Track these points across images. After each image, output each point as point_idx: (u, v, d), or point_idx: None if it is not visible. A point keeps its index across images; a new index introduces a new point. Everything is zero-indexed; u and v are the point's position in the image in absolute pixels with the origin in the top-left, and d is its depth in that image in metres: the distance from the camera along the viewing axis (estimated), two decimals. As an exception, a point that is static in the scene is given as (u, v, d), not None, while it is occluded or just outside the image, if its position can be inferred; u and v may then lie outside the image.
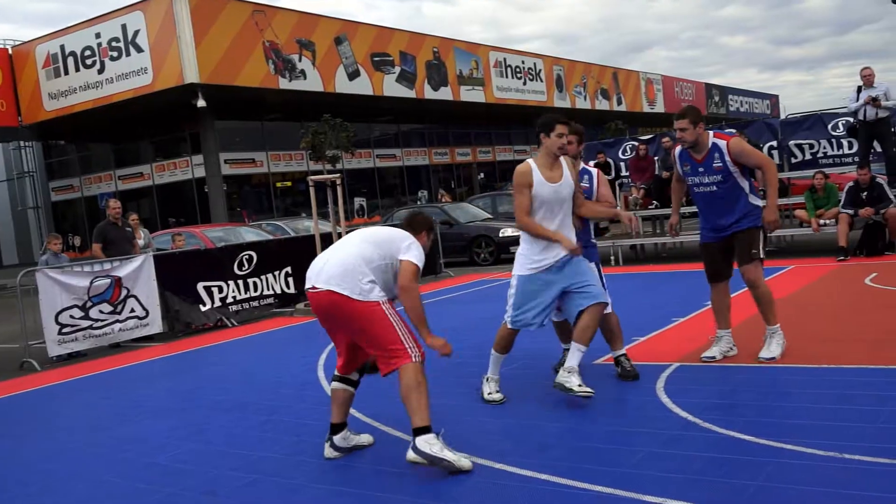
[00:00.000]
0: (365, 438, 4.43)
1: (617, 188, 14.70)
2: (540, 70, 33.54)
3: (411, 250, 4.09)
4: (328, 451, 4.31)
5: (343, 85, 24.33)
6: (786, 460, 3.59)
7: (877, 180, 11.08)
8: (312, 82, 23.49)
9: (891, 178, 11.57)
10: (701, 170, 5.36)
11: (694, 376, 5.27)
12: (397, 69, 26.41)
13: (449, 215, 16.78)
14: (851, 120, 12.78)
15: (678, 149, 5.57)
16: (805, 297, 7.83)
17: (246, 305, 11.12)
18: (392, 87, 26.23)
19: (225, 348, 8.85)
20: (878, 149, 12.18)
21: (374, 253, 4.08)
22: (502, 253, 15.32)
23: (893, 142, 11.98)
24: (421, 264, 4.09)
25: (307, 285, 4.12)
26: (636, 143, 14.94)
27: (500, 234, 15.67)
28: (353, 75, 24.65)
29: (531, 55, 33.64)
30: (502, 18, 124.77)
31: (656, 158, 14.39)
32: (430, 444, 3.82)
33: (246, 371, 7.21)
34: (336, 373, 4.33)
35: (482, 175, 34.33)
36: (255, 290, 11.26)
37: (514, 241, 15.08)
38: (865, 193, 10.95)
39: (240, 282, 11.07)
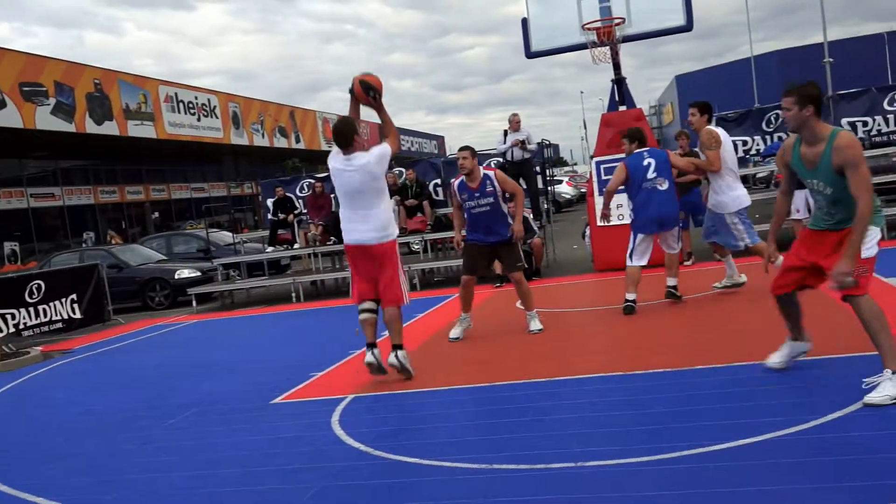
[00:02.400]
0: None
1: (295, 225, 14.78)
2: (215, 106, 32.71)
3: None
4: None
5: (-16, 116, 21.48)
6: (444, 477, 3.84)
7: (523, 214, 12.47)
8: (-56, 112, 20.41)
9: (534, 211, 13.13)
10: (477, 195, 7.05)
11: (369, 406, 5.45)
12: (52, 101, 24.03)
13: (118, 258, 15.56)
14: (501, 160, 14.31)
15: (456, 181, 7.19)
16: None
17: None
18: (47, 120, 23.76)
19: None
20: (525, 185, 13.78)
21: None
22: (178, 296, 14.58)
23: (536, 180, 13.69)
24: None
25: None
26: (313, 181, 15.15)
27: (176, 276, 14.91)
28: (-3, 105, 21.87)
29: (205, 91, 32.70)
30: (175, 53, 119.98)
31: (333, 196, 14.45)
32: (405, 356, 5.91)
33: None
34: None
35: (156, 214, 32.45)
36: None
37: (192, 282, 14.64)
38: (514, 225, 12.32)
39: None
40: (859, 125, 13.21)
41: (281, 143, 37.95)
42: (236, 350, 8.76)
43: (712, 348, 5.80)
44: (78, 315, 12.46)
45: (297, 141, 39.48)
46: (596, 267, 11.54)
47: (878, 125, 13.35)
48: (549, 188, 15.67)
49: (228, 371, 7.41)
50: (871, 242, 4.15)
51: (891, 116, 13.34)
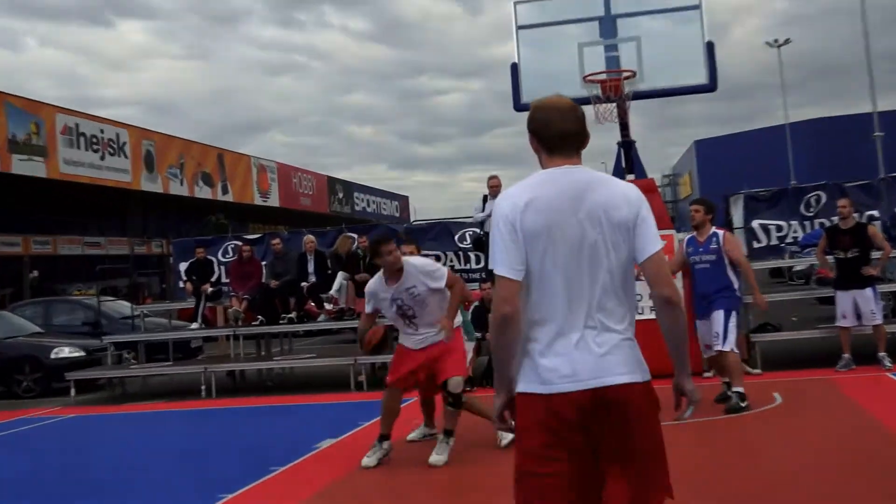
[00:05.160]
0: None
1: (202, 300, 14.50)
2: (125, 143, 32.59)
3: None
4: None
5: None
6: None
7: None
8: None
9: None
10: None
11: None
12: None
13: (-23, 328, 15.20)
14: (479, 231, 14.35)
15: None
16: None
17: None
18: None
19: None
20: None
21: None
22: (54, 381, 14.08)
23: None
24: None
25: None
26: (240, 244, 15.05)
27: (52, 356, 14.52)
28: None
29: (114, 123, 32.67)
30: (83, 75, 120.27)
31: (264, 263, 14.54)
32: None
33: None
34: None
35: (35, 273, 31.81)
36: None
37: (72, 364, 14.20)
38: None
39: None
40: (916, 217, 13.50)
41: (204, 192, 37.76)
42: (119, 460, 8.48)
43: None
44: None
45: (225, 192, 39.31)
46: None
47: None
48: None
49: (111, 491, 7.16)
50: None
51: None
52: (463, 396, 7.07)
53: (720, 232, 8.63)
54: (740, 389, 8.17)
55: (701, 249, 8.53)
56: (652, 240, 2.93)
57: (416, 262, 7.11)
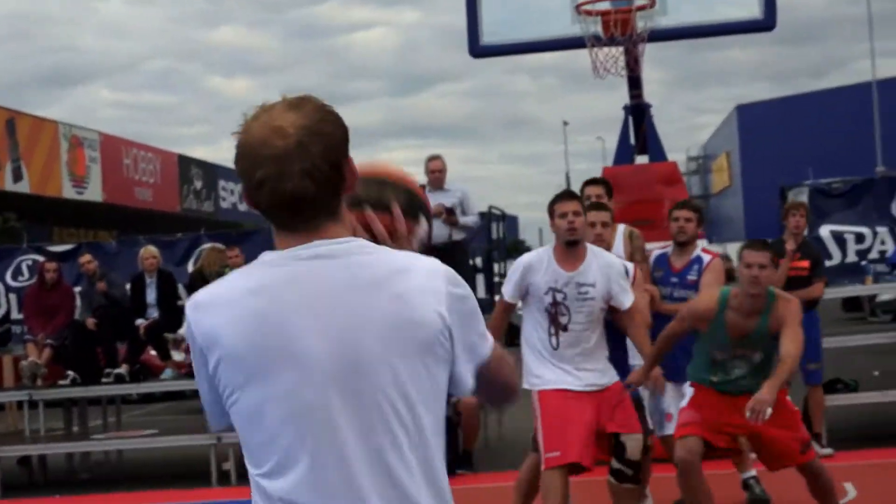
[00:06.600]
0: None
1: None
2: None
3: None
4: None
5: None
6: None
7: None
8: None
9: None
10: None
11: None
12: None
13: None
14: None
15: None
16: None
17: None
18: None
19: None
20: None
21: None
22: None
23: (474, 278, 13.05)
24: None
25: None
26: (40, 259, 14.89)
27: None
28: None
29: None
30: None
31: (78, 290, 14.10)
32: None
33: None
34: None
35: None
36: None
37: None
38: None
39: None
40: None
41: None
42: None
43: None
44: None
45: (18, 177, 38.13)
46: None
47: None
48: (495, 296, 15.50)
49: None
50: None
51: None
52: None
53: (706, 256, 8.53)
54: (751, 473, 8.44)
55: (675, 279, 8.48)
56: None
57: None
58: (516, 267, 7.24)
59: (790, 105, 59.34)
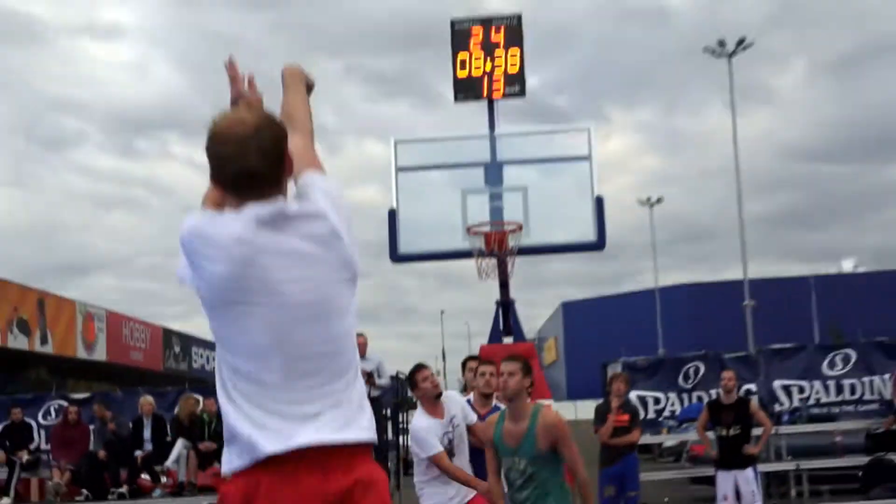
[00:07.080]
0: None
1: (17, 469, 13.66)
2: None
3: None
4: None
5: None
6: None
7: None
8: None
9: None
10: None
11: None
12: None
13: None
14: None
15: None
16: None
17: None
18: None
19: None
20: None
21: None
22: None
23: (386, 428, 13.32)
24: None
25: None
26: (65, 404, 14.58)
27: None
28: None
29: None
30: None
31: (92, 428, 13.90)
32: None
33: None
34: None
35: None
36: None
37: None
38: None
39: None
40: (794, 390, 14.01)
41: (20, 342, 35.99)
42: None
43: None
44: None
45: (44, 342, 37.49)
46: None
47: (817, 392, 14.06)
48: (400, 440, 15.47)
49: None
50: None
51: (831, 383, 14.08)
52: None
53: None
54: None
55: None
56: None
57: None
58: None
59: (599, 303, 67.90)
